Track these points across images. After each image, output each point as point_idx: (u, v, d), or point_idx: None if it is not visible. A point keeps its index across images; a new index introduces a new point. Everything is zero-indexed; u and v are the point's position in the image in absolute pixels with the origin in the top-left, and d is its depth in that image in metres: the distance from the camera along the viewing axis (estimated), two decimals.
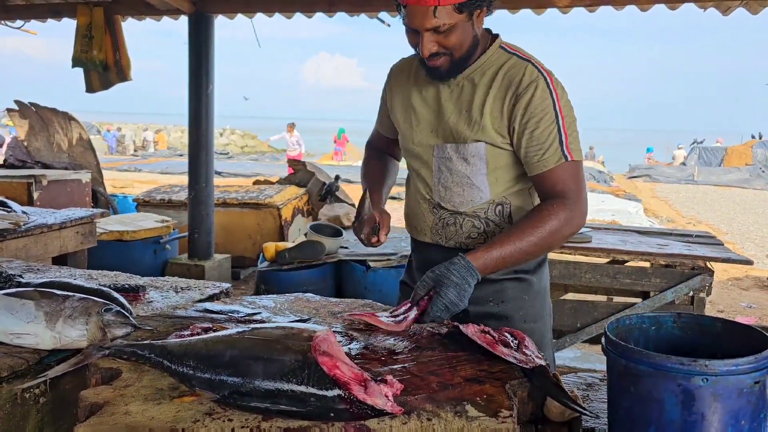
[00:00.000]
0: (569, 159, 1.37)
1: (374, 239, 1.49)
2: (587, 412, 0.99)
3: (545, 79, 1.37)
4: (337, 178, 5.71)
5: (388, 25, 4.54)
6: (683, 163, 21.48)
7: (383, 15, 4.47)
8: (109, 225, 4.55)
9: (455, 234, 1.51)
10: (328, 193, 5.58)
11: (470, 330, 1.19)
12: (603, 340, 0.92)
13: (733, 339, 0.89)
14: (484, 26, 1.45)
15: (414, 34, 1.37)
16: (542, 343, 1.56)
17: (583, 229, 3.68)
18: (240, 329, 1.08)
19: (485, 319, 1.40)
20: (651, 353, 0.83)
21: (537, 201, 1.50)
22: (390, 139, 1.71)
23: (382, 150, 1.75)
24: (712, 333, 0.93)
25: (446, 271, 1.29)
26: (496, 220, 1.49)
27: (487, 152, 1.43)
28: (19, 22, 5.12)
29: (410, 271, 1.70)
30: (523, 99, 1.37)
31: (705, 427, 0.79)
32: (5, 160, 5.59)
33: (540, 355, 1.12)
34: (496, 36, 1.47)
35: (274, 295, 1.58)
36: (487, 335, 1.19)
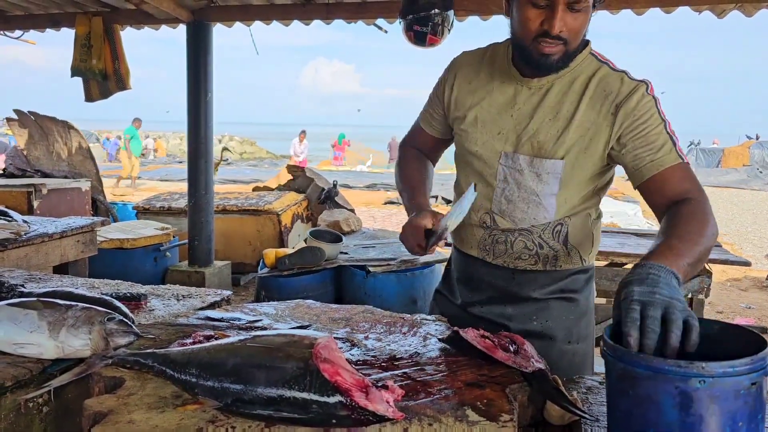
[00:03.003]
0: (684, 161, 1.27)
1: (429, 248, 1.34)
2: (587, 416, 0.99)
3: (645, 85, 1.30)
4: (335, 183, 5.73)
5: (385, 32, 4.56)
6: None
7: (380, 21, 4.50)
8: (110, 233, 4.56)
9: (504, 252, 1.42)
10: (327, 198, 5.59)
11: (470, 335, 1.20)
12: (601, 343, 0.93)
13: (730, 341, 0.89)
14: None
15: (539, 12, 1.22)
16: (584, 363, 1.49)
17: None
18: (242, 337, 1.09)
19: (527, 338, 1.23)
20: (648, 356, 0.83)
21: (593, 222, 1.43)
22: (436, 139, 1.56)
23: (420, 150, 1.61)
24: (709, 335, 0.93)
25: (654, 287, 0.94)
26: (550, 241, 1.39)
27: (564, 169, 1.32)
28: (18, 32, 5.14)
29: (448, 281, 1.60)
30: (626, 106, 1.27)
31: (703, 429, 0.80)
32: (5, 169, 5.61)
33: (540, 359, 1.12)
34: (587, 42, 1.34)
35: (275, 302, 1.59)
36: (487, 340, 1.20)
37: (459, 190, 1.51)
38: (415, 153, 1.61)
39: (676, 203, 1.23)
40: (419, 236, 1.32)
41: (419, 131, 1.60)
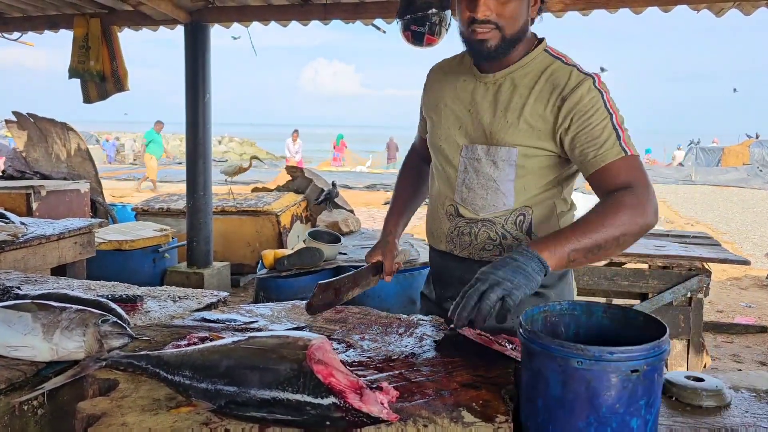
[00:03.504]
0: (629, 153, 1.28)
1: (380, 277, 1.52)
2: None
3: (592, 79, 1.32)
4: (333, 184, 5.72)
5: (384, 32, 4.56)
6: (681, 164, 21.52)
7: (378, 22, 4.49)
8: (108, 234, 4.56)
9: (469, 244, 1.46)
10: (327, 199, 5.57)
11: (468, 332, 1.20)
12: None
13: (651, 332, 0.95)
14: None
15: (470, 3, 1.30)
16: None
17: None
18: (236, 338, 1.08)
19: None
20: (541, 335, 0.92)
21: (561, 213, 1.45)
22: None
23: (421, 155, 1.69)
24: (635, 325, 1.01)
25: (500, 263, 1.13)
26: (513, 231, 1.42)
27: (518, 158, 1.37)
28: (16, 34, 5.13)
29: (428, 281, 1.67)
30: (571, 99, 1.31)
31: (580, 405, 0.88)
32: (4, 171, 5.60)
33: None
34: (542, 39, 1.42)
35: (272, 303, 1.58)
36: (484, 337, 1.20)
37: (432, 185, 1.59)
38: (414, 163, 1.72)
39: (610, 195, 1.27)
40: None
41: (417, 135, 1.70)
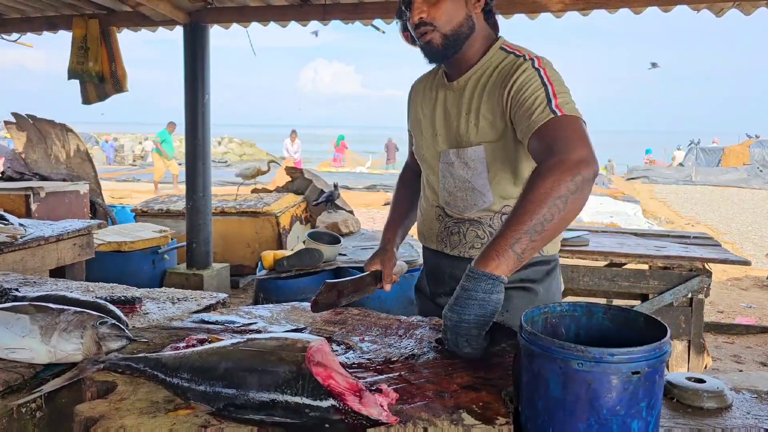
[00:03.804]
0: (559, 114, 1.23)
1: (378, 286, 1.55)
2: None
3: (532, 62, 1.35)
4: (335, 186, 5.71)
5: (383, 32, 4.55)
6: (681, 164, 21.52)
7: (378, 22, 4.49)
8: (108, 236, 4.55)
9: (459, 243, 1.51)
10: (329, 200, 5.55)
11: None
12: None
13: (652, 333, 0.94)
14: (500, 33, 1.47)
15: (408, 9, 1.40)
16: None
17: (580, 232, 3.68)
18: (235, 340, 1.08)
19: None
20: (541, 336, 0.91)
21: None
22: None
23: (415, 171, 1.73)
24: (636, 326, 1.00)
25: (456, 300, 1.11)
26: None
27: (486, 154, 1.42)
28: (15, 35, 5.13)
29: (421, 277, 1.73)
30: (511, 82, 1.34)
31: (581, 406, 0.87)
32: (3, 173, 5.60)
33: None
34: (497, 38, 1.47)
35: (271, 305, 1.58)
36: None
37: (423, 192, 1.65)
38: (408, 177, 1.77)
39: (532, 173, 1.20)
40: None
41: (409, 151, 1.76)
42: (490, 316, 1.09)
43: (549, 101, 1.25)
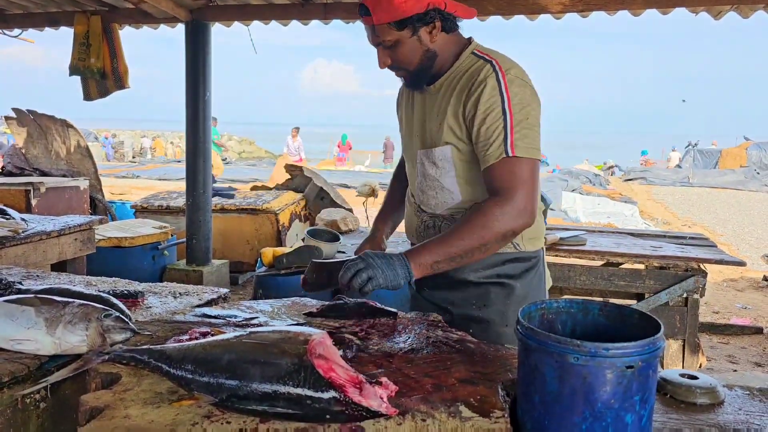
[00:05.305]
0: (510, 155, 1.35)
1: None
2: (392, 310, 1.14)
3: (497, 76, 1.39)
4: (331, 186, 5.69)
5: None
6: (678, 166, 21.55)
7: None
8: (108, 231, 4.56)
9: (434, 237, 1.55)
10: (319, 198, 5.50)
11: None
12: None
13: (646, 329, 0.97)
14: (468, 34, 1.52)
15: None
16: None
17: (577, 232, 3.71)
18: (237, 333, 1.10)
19: (467, 322, 1.48)
20: (538, 330, 0.93)
21: None
22: None
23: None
24: (631, 323, 1.03)
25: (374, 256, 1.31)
26: None
27: (453, 154, 1.48)
28: (16, 31, 5.13)
29: None
30: (473, 96, 1.40)
31: (576, 400, 0.89)
32: (3, 168, 5.60)
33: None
34: (469, 42, 1.52)
35: (272, 300, 1.60)
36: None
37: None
38: (400, 173, 1.82)
39: (477, 204, 1.42)
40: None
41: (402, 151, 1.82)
42: (388, 287, 1.29)
43: (505, 137, 1.36)
